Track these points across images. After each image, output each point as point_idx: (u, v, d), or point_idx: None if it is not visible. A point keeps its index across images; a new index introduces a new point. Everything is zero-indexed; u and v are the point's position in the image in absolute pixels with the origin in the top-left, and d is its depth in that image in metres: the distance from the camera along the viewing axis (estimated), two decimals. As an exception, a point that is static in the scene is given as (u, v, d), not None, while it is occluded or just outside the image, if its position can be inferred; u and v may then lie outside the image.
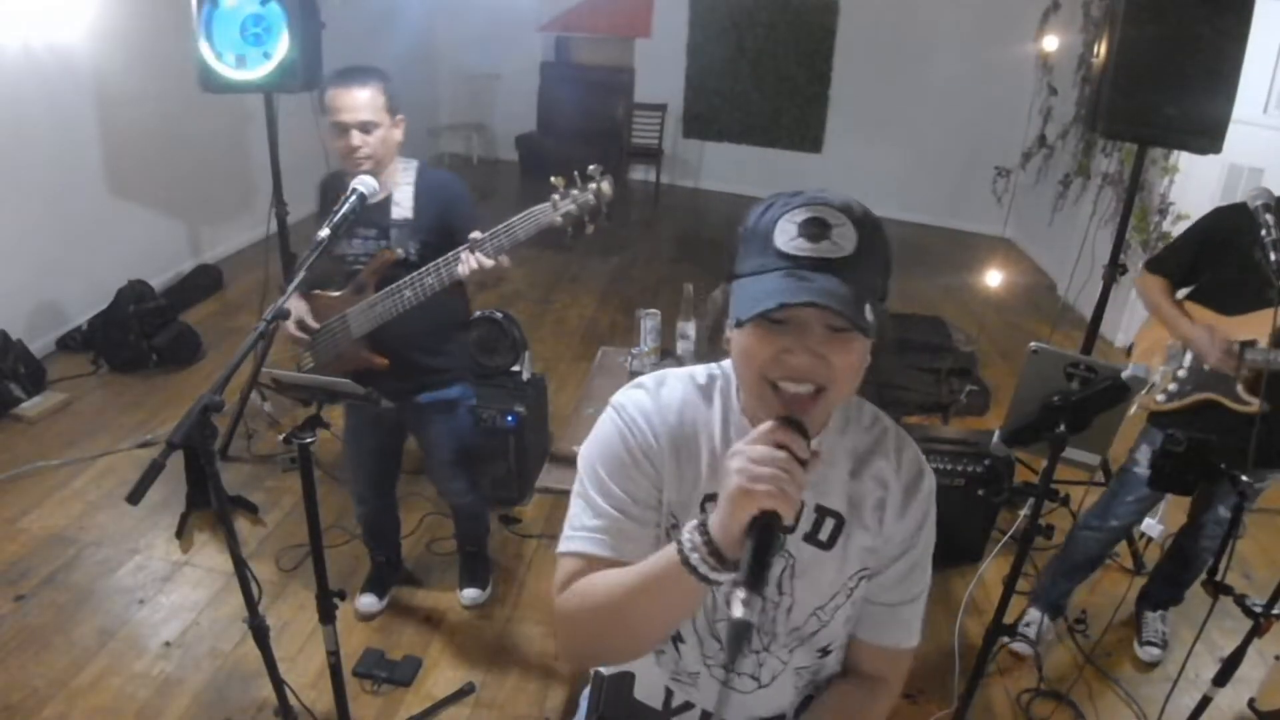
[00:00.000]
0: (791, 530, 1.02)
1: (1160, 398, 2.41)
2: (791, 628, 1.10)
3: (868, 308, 0.89)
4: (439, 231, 2.21)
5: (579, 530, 1.04)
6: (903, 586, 1.13)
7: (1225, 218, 2.35)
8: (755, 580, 0.80)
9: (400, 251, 2.18)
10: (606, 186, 1.93)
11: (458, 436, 2.53)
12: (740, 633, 0.77)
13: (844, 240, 0.91)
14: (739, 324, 0.92)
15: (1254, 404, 2.21)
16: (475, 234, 2.02)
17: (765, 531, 0.83)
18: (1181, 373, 2.37)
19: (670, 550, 0.89)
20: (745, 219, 0.98)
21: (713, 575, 0.86)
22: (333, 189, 2.27)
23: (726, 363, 1.08)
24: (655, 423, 1.06)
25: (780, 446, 0.85)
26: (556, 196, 1.94)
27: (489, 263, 2.00)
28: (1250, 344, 2.19)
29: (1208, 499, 2.50)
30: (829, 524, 1.07)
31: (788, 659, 1.12)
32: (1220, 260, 2.28)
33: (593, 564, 1.02)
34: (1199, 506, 2.56)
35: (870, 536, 1.09)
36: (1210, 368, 2.23)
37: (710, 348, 1.11)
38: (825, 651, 1.14)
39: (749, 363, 0.95)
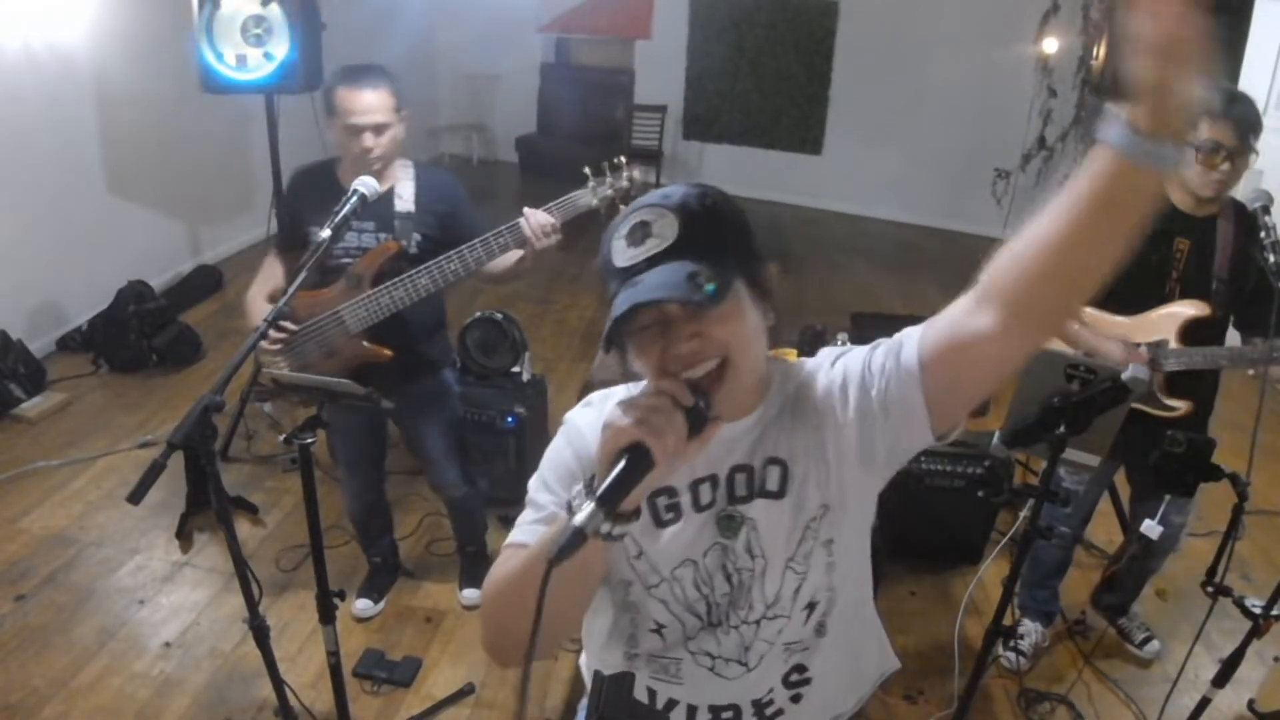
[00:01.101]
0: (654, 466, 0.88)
1: None
2: (771, 598, 1.09)
3: (702, 276, 0.90)
4: (440, 229, 2.25)
5: (519, 525, 1.08)
6: (886, 373, 1.00)
7: None
8: (605, 496, 0.82)
9: (405, 242, 2.20)
10: (638, 173, 2.15)
11: (450, 424, 2.55)
12: (572, 537, 0.80)
13: (665, 230, 0.95)
14: (608, 350, 0.97)
15: (1181, 407, 2.19)
16: (529, 209, 2.11)
17: (630, 458, 0.84)
18: None
19: (564, 515, 0.91)
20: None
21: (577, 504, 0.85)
22: (308, 185, 2.27)
23: None
24: (598, 430, 1.06)
25: (661, 393, 0.88)
26: (593, 184, 2.10)
27: (554, 220, 2.09)
28: (1160, 345, 2.16)
29: (1138, 516, 2.45)
30: (775, 472, 1.06)
31: (774, 638, 1.11)
32: None
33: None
34: (1134, 523, 2.52)
35: (818, 471, 1.05)
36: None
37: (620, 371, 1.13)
38: (811, 607, 1.11)
39: (648, 373, 0.98)
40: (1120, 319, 2.21)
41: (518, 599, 0.95)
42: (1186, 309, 2.14)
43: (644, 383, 1.12)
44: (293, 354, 2.26)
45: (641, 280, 0.92)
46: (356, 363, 2.24)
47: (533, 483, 1.11)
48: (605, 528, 0.83)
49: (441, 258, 2.12)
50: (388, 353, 2.25)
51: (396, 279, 2.14)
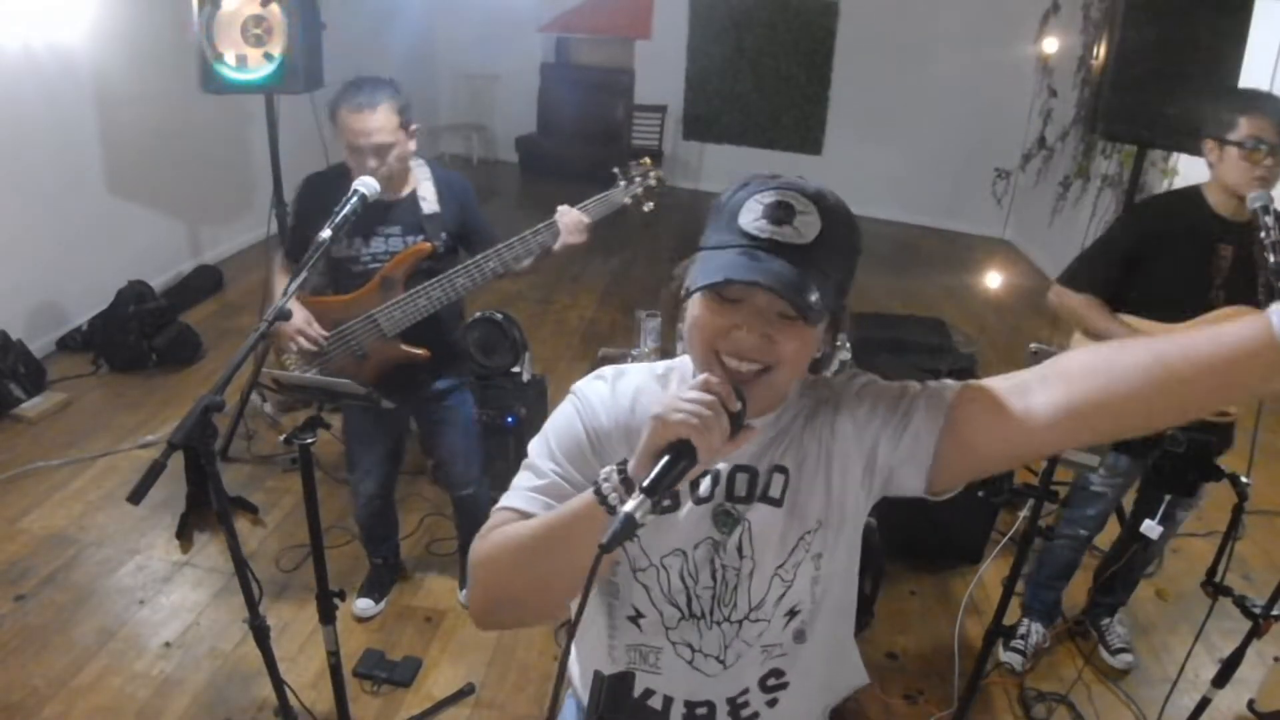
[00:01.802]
0: (699, 463, 0.89)
1: None
2: (755, 601, 1.09)
3: (815, 293, 0.91)
4: (459, 226, 2.30)
5: (517, 489, 1.06)
6: (917, 403, 1.01)
7: (1153, 216, 2.24)
8: (653, 487, 0.84)
9: (436, 243, 2.22)
10: (662, 172, 2.36)
11: (471, 419, 2.60)
12: (625, 524, 0.81)
13: (806, 228, 0.93)
14: (688, 294, 0.96)
15: (1232, 412, 2.18)
16: (563, 207, 2.22)
17: (676, 452, 0.86)
18: None
19: (587, 492, 0.92)
20: (722, 194, 1.00)
21: (619, 505, 0.87)
22: (323, 191, 2.23)
23: (685, 357, 1.10)
24: (610, 406, 1.09)
25: (711, 392, 0.88)
26: (623, 183, 2.30)
27: (587, 219, 2.23)
28: None
29: (1139, 515, 2.45)
30: (778, 479, 1.06)
31: (754, 640, 1.11)
32: (1154, 265, 2.19)
33: (524, 519, 1.02)
34: (1133, 522, 2.52)
35: (822, 488, 1.06)
36: None
37: (666, 320, 1.13)
38: (793, 613, 1.10)
39: (699, 334, 0.97)
40: (1165, 326, 2.19)
41: (527, 568, 0.98)
42: (1230, 316, 2.13)
43: (657, 363, 1.14)
44: (324, 359, 2.27)
45: (765, 262, 0.91)
46: (391, 364, 2.26)
47: (535, 446, 1.09)
48: (637, 497, 0.85)
49: (480, 256, 2.17)
50: (424, 352, 2.25)
51: (434, 280, 2.17)
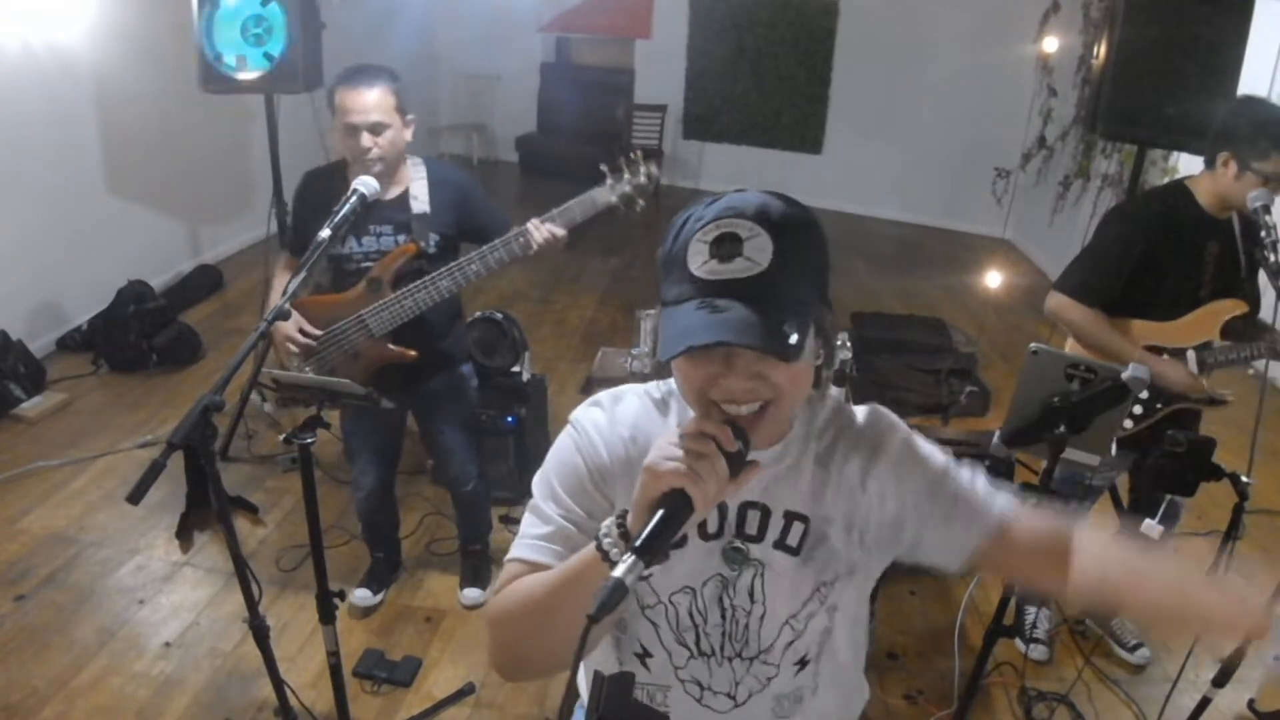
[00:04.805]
0: (698, 515, 0.87)
1: (1128, 424, 2.31)
2: (764, 644, 1.07)
3: (791, 326, 0.85)
4: (456, 226, 2.28)
5: (525, 538, 1.03)
6: (962, 502, 1.04)
7: (1156, 216, 2.23)
8: (645, 547, 0.79)
9: (422, 243, 2.21)
10: (655, 169, 2.16)
11: (467, 418, 2.60)
12: (614, 592, 0.76)
13: (758, 254, 0.86)
14: (663, 363, 0.91)
15: (1227, 396, 2.23)
16: (534, 222, 2.13)
17: (670, 506, 0.82)
18: (1144, 394, 2.26)
19: (590, 546, 0.89)
20: (664, 239, 0.94)
21: (615, 555, 0.84)
22: (319, 188, 2.26)
23: None
24: (608, 438, 1.05)
25: (705, 436, 0.84)
26: (611, 180, 2.13)
27: (561, 232, 2.12)
28: (1206, 346, 2.19)
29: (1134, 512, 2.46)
30: (797, 528, 1.04)
31: (764, 684, 1.10)
32: (1156, 265, 2.20)
33: (535, 570, 0.99)
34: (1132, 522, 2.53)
35: (844, 542, 1.04)
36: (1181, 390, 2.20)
37: (654, 368, 1.12)
38: (803, 664, 1.09)
39: (688, 386, 0.93)
40: (1162, 325, 2.23)
41: (540, 626, 0.95)
42: (1225, 308, 2.18)
43: (653, 384, 1.12)
44: (317, 359, 2.27)
45: (725, 310, 0.85)
46: (380, 364, 2.26)
47: (538, 486, 1.06)
48: (629, 558, 0.81)
49: (463, 259, 2.16)
50: (412, 354, 2.26)
51: (419, 282, 2.16)
